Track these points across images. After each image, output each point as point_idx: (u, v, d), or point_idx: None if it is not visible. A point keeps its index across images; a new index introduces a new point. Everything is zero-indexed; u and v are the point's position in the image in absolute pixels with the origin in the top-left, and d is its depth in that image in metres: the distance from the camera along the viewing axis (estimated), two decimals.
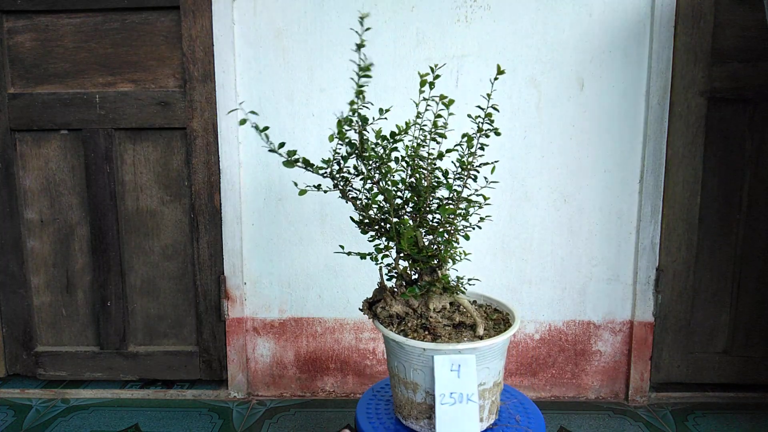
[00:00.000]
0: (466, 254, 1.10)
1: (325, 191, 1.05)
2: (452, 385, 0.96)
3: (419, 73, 0.99)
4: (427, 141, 1.05)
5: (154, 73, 1.71)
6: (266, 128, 0.96)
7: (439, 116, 1.04)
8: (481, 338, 1.01)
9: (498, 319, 1.10)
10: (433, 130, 1.05)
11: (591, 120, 1.65)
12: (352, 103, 0.99)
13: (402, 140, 1.02)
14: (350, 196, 1.04)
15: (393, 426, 1.07)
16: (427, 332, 1.03)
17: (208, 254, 1.76)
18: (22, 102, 1.71)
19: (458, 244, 1.06)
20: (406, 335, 1.02)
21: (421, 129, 1.05)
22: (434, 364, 0.96)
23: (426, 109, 1.06)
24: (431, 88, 1.02)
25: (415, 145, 1.05)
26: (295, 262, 1.74)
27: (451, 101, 1.01)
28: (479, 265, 1.70)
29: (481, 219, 1.10)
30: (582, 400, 1.77)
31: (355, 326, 1.76)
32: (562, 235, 1.70)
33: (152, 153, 1.75)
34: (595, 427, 1.60)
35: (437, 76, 1.00)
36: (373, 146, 1.02)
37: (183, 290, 1.81)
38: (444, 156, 1.05)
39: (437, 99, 1.03)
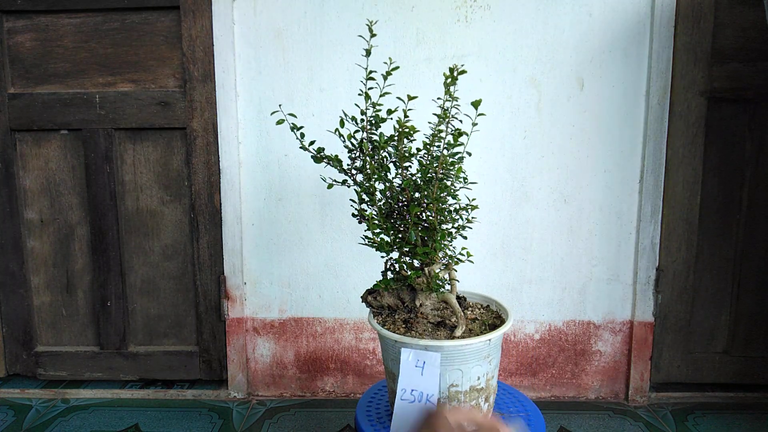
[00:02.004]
0: (470, 255, 1.10)
1: (349, 186, 1.10)
2: (415, 382, 0.96)
3: (444, 74, 1.01)
4: (444, 138, 1.06)
5: (154, 73, 1.71)
6: (301, 127, 1.08)
7: (454, 117, 1.04)
8: (454, 338, 1.01)
9: (496, 324, 1.09)
10: (452, 128, 1.05)
11: (591, 120, 1.65)
12: (368, 99, 1.03)
13: (414, 139, 1.04)
14: (372, 189, 1.07)
15: None
16: (404, 325, 1.05)
17: (208, 254, 1.76)
18: (22, 102, 1.71)
19: (448, 242, 1.06)
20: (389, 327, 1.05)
21: (437, 131, 1.06)
22: (401, 356, 0.97)
23: (446, 109, 1.06)
24: (448, 90, 1.02)
25: (426, 144, 1.06)
26: (295, 262, 1.74)
27: (479, 101, 1.01)
28: (479, 265, 1.70)
29: (469, 221, 1.10)
30: (582, 400, 1.77)
31: (355, 326, 1.76)
32: (562, 235, 1.70)
33: (152, 153, 1.75)
34: (595, 427, 1.60)
35: (456, 77, 1.00)
36: (383, 144, 1.04)
37: (183, 290, 1.81)
38: (415, 154, 1.07)
39: (450, 98, 1.04)
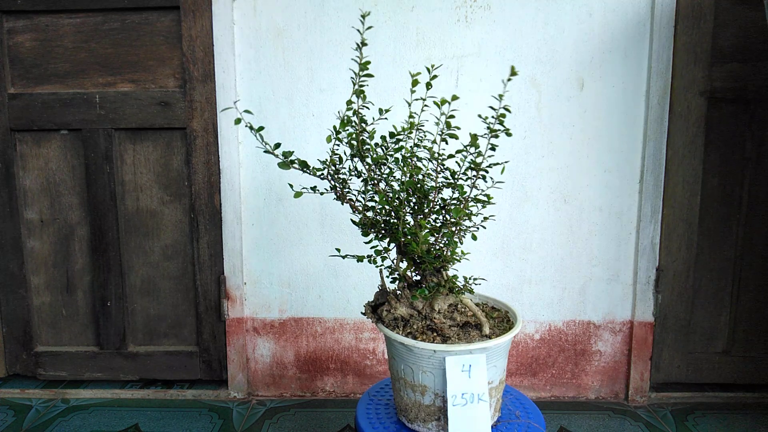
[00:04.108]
0: (464, 254, 1.10)
1: (322, 193, 1.05)
2: (463, 386, 0.96)
3: (410, 73, 0.99)
4: (437, 141, 1.05)
5: (154, 73, 1.71)
6: (261, 128, 0.98)
7: (452, 116, 1.03)
8: (488, 337, 1.01)
9: (498, 317, 1.11)
10: (444, 129, 1.04)
11: (591, 120, 1.65)
12: (349, 102, 0.99)
13: (403, 140, 1.03)
14: (347, 198, 1.04)
15: (393, 426, 1.07)
16: (435, 334, 1.03)
17: (208, 254, 1.76)
18: (22, 102, 1.71)
19: (461, 244, 1.06)
20: (414, 338, 1.01)
21: (418, 129, 1.05)
22: (446, 365, 0.96)
23: (423, 109, 1.05)
24: (428, 88, 1.02)
25: (411, 145, 1.05)
26: (295, 262, 1.74)
27: (455, 97, 1.00)
28: (479, 265, 1.70)
29: (485, 219, 1.10)
30: (582, 400, 1.77)
31: (355, 326, 1.76)
32: (562, 235, 1.70)
33: (152, 153, 1.75)
34: (595, 427, 1.60)
35: (434, 76, 1.00)
36: (374, 146, 1.02)
37: (183, 290, 1.81)
38: (453, 156, 1.05)
39: (438, 99, 1.03)
